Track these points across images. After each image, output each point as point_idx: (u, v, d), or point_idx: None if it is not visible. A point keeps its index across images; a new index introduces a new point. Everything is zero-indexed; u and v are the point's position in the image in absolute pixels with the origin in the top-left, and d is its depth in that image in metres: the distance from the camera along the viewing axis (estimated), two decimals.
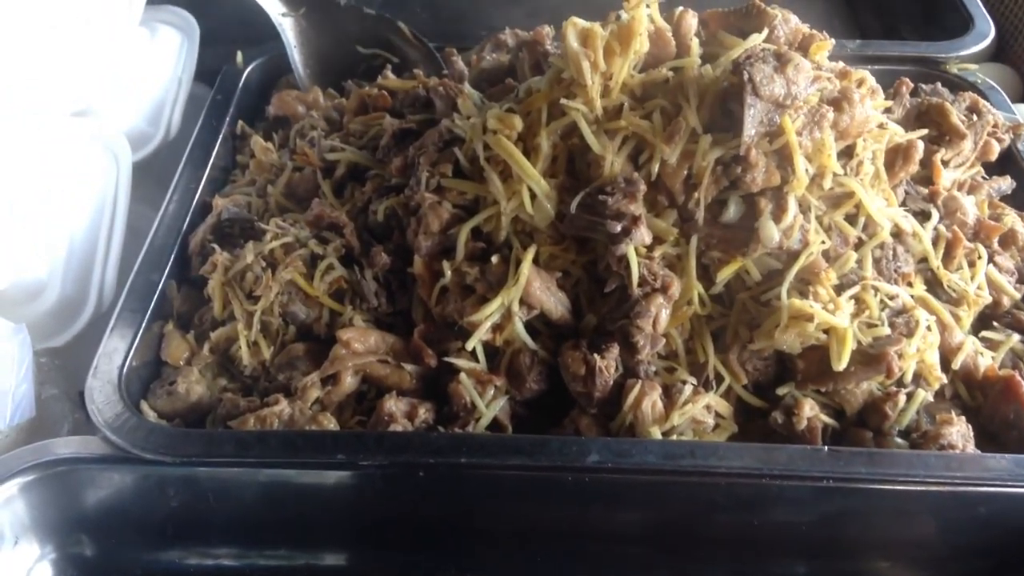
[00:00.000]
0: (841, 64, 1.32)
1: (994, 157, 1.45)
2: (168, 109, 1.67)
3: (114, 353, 1.18)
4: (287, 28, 1.70)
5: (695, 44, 1.23)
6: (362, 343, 1.20)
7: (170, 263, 1.31)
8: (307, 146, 1.46)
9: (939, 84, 1.65)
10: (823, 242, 1.18)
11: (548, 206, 1.20)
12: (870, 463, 1.06)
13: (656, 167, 1.18)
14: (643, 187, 1.17)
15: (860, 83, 1.29)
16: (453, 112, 1.38)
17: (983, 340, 1.25)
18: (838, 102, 1.21)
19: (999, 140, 1.45)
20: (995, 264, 1.31)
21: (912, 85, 1.55)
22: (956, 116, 1.42)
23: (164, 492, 1.09)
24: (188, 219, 1.38)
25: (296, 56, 1.70)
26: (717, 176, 1.17)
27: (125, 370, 1.16)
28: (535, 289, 1.18)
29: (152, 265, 1.30)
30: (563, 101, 1.18)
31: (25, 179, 1.36)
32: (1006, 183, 1.44)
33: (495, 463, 1.07)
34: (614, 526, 1.11)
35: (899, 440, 1.14)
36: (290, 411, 1.15)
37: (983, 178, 1.46)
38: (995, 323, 1.28)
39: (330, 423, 1.14)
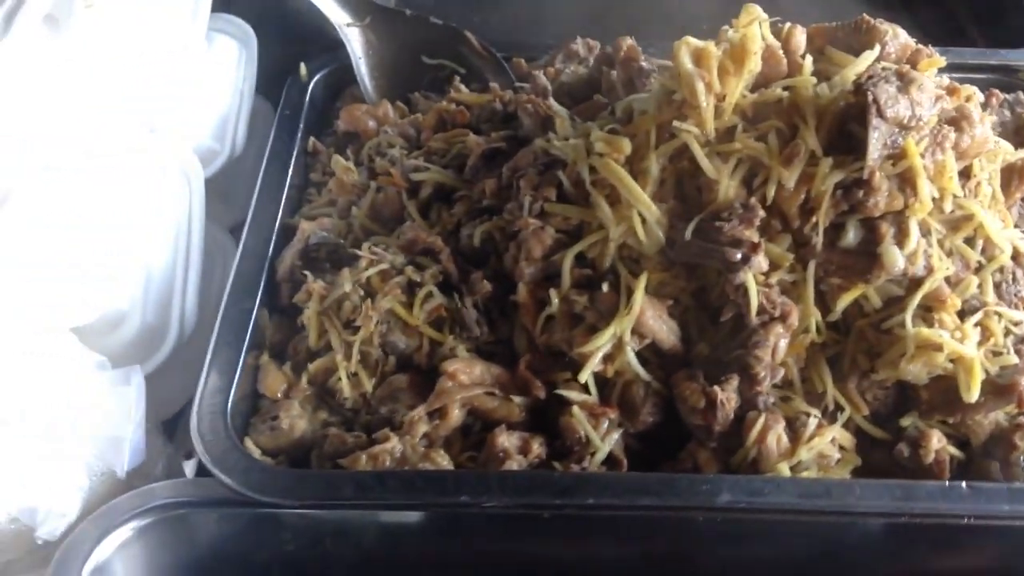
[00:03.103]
0: (947, 79, 1.28)
1: None
2: (232, 124, 1.62)
3: (215, 388, 1.14)
4: (352, 39, 1.66)
5: (808, 62, 1.19)
6: (468, 375, 1.17)
7: (260, 291, 1.26)
8: (388, 165, 1.42)
9: (1021, 93, 1.61)
10: (947, 268, 1.15)
11: (659, 232, 1.16)
12: (1012, 499, 1.03)
13: (772, 191, 1.14)
14: (761, 212, 1.13)
15: (968, 99, 1.25)
16: (542, 131, 1.34)
17: None
18: (957, 121, 1.17)
19: None
20: None
21: (1002, 96, 1.52)
22: None
23: (279, 536, 1.05)
24: (272, 244, 1.33)
25: (362, 68, 1.66)
26: (836, 200, 1.13)
27: (230, 406, 1.12)
28: (648, 318, 1.15)
29: (242, 293, 1.26)
30: (675, 124, 1.14)
31: (101, 206, 1.31)
32: None
33: (623, 503, 1.03)
34: (743, 567, 1.07)
35: None
36: (401, 448, 1.11)
37: None
38: None
39: (444, 460, 1.10)
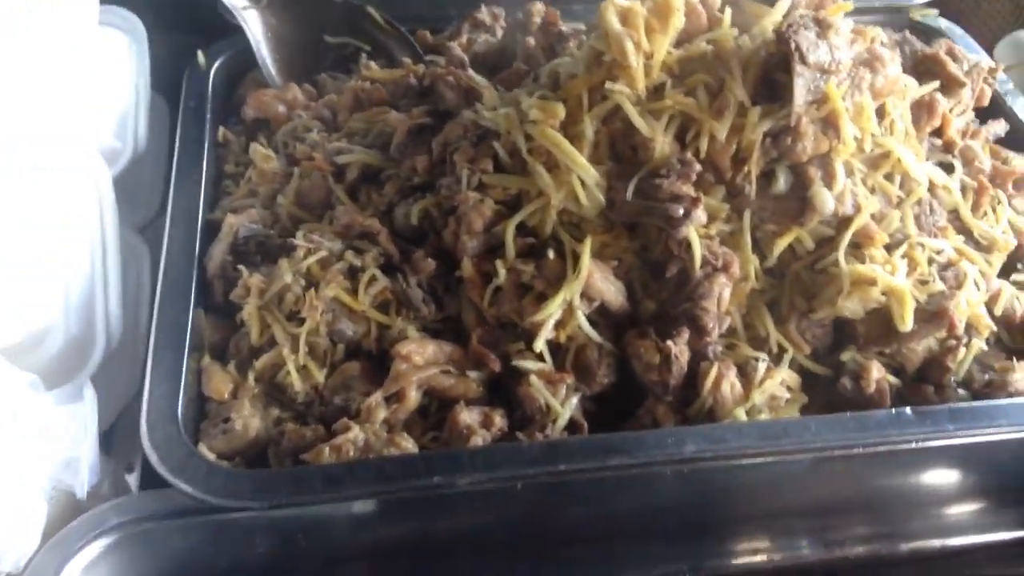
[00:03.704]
0: (852, 23, 1.32)
1: (987, 103, 1.49)
2: (132, 121, 1.54)
3: (162, 395, 1.09)
4: (251, 22, 1.60)
5: (727, 15, 1.21)
6: (422, 355, 1.15)
7: (193, 291, 1.22)
8: (309, 149, 1.38)
9: (907, 32, 1.68)
10: (873, 205, 1.19)
11: (599, 194, 1.17)
12: (953, 419, 1.08)
13: (705, 144, 1.16)
14: (697, 167, 1.15)
15: (873, 41, 1.30)
16: (466, 103, 1.33)
17: (1013, 283, 1.29)
18: (870, 63, 1.21)
19: (989, 85, 1.49)
20: (1012, 207, 1.35)
21: (893, 37, 1.57)
22: (952, 65, 1.44)
23: (248, 539, 1.02)
24: (198, 240, 1.28)
25: (264, 51, 1.60)
26: (766, 148, 1.16)
27: (180, 413, 1.08)
28: (596, 280, 1.16)
29: (175, 295, 1.21)
30: (608, 85, 1.15)
31: (9, 219, 1.23)
32: (1000, 126, 1.49)
33: (594, 465, 1.04)
34: (711, 512, 1.10)
35: (961, 392, 1.17)
36: (364, 436, 1.09)
37: (976, 123, 1.50)
38: (1019, 265, 1.32)
39: (408, 443, 1.09)
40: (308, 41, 1.64)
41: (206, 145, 1.45)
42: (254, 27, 1.59)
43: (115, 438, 1.35)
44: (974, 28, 2.20)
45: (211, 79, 1.58)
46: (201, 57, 1.60)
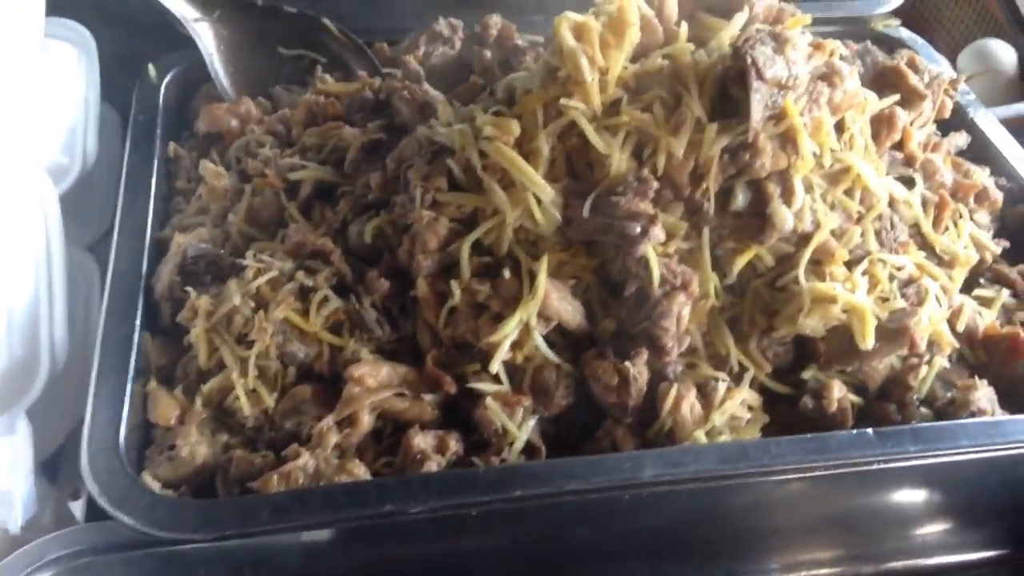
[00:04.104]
0: (811, 36, 1.31)
1: (948, 115, 1.48)
2: (80, 136, 1.50)
3: (104, 422, 1.05)
4: (203, 35, 1.56)
5: (683, 29, 1.19)
6: (375, 378, 1.12)
7: (139, 313, 1.18)
8: (261, 165, 1.35)
9: (869, 43, 1.67)
10: (833, 221, 1.18)
11: (555, 212, 1.15)
12: (915, 440, 1.07)
13: (662, 161, 1.14)
14: (654, 184, 1.13)
15: (832, 54, 1.28)
16: (421, 118, 1.30)
17: (975, 298, 1.28)
18: (828, 77, 1.20)
19: (950, 96, 1.48)
20: (973, 221, 1.34)
21: (856, 47, 1.57)
22: (913, 77, 1.43)
23: (196, 572, 0.99)
24: (145, 261, 1.25)
25: (216, 64, 1.57)
26: (724, 164, 1.14)
27: (123, 441, 1.04)
28: (553, 300, 1.13)
29: (119, 317, 1.17)
30: (563, 101, 1.13)
31: None
32: (962, 139, 1.48)
33: (551, 491, 1.01)
34: (671, 536, 1.08)
35: (923, 411, 1.16)
36: (314, 463, 1.06)
37: (937, 135, 1.49)
38: (981, 280, 1.32)
39: (360, 470, 1.06)
40: (262, 53, 1.61)
41: (156, 161, 1.41)
42: (206, 39, 1.56)
43: (62, 464, 1.31)
44: (938, 36, 2.22)
45: (162, 92, 1.54)
46: (152, 70, 1.56)
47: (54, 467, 1.30)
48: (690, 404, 1.11)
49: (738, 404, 1.12)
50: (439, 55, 1.49)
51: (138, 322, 1.17)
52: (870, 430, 1.07)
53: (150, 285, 1.23)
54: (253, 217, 1.31)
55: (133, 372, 1.12)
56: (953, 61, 2.04)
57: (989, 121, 1.53)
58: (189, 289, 1.18)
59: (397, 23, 1.70)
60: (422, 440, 1.09)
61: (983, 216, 1.36)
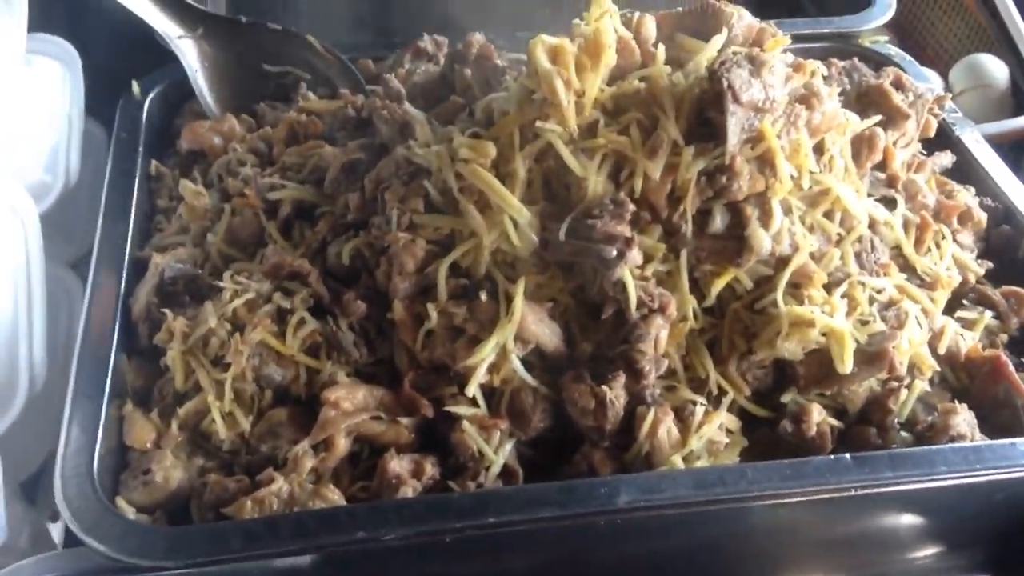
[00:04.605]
0: (790, 55, 1.31)
1: (932, 133, 1.47)
2: (64, 153, 1.50)
3: (78, 447, 1.05)
4: (187, 52, 1.56)
5: (660, 51, 1.19)
6: (351, 401, 1.12)
7: (116, 334, 1.18)
8: (241, 185, 1.35)
9: (856, 60, 1.66)
10: (811, 244, 1.17)
11: (532, 235, 1.14)
12: (893, 465, 1.06)
13: (639, 183, 1.14)
14: (631, 207, 1.12)
15: (812, 75, 1.28)
16: (401, 137, 1.30)
17: (958, 320, 1.27)
18: (807, 99, 1.19)
19: (935, 115, 1.48)
20: (957, 243, 1.33)
21: (840, 65, 1.56)
22: (897, 96, 1.43)
23: None
24: (123, 280, 1.25)
25: (200, 81, 1.57)
26: (701, 187, 1.14)
27: (96, 465, 1.04)
28: (530, 323, 1.13)
29: (97, 338, 1.17)
30: (539, 124, 1.12)
31: None
32: (947, 158, 1.48)
33: (525, 517, 1.01)
34: (649, 562, 1.08)
35: (903, 434, 1.15)
36: (288, 488, 1.05)
37: (922, 154, 1.48)
38: (964, 301, 1.31)
39: (335, 495, 1.06)
40: (246, 70, 1.61)
41: (137, 178, 1.41)
42: (190, 56, 1.56)
43: (41, 484, 1.31)
44: (930, 50, 2.22)
45: (146, 109, 1.54)
46: (136, 87, 1.56)
47: (33, 488, 1.30)
48: (667, 428, 1.10)
49: (715, 428, 1.11)
50: (422, 72, 1.49)
51: (115, 343, 1.17)
52: (847, 455, 1.07)
53: (128, 306, 1.23)
54: (232, 237, 1.30)
55: (109, 394, 1.12)
56: (945, 76, 2.04)
57: (975, 139, 1.53)
58: (166, 310, 1.18)
59: (383, 40, 1.71)
60: (398, 464, 1.08)
61: (966, 237, 1.35)
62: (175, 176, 1.47)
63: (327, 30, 1.66)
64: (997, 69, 2.00)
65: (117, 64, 1.67)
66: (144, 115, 1.53)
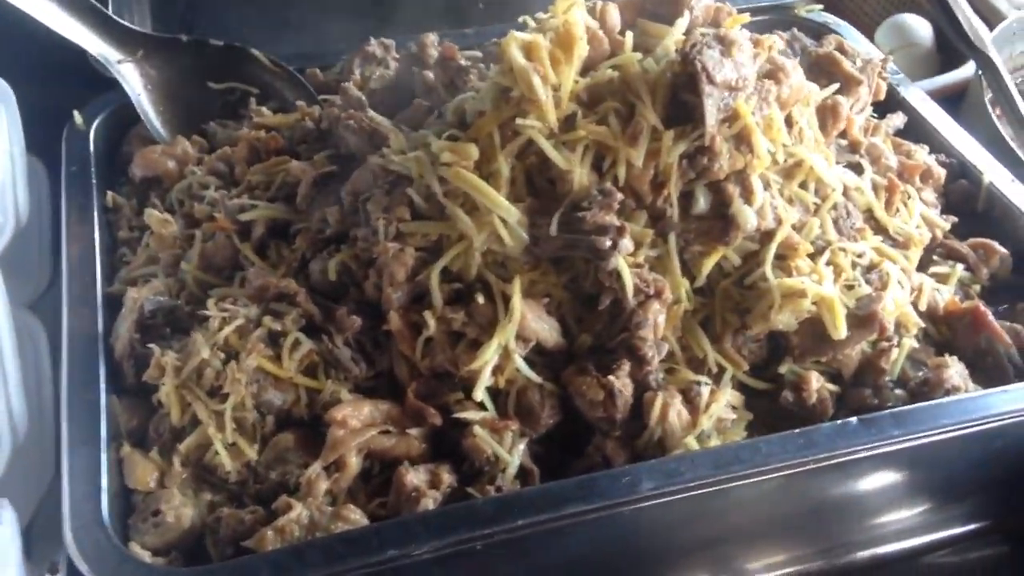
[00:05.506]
0: (748, 34, 1.32)
1: (883, 96, 1.51)
2: (11, 192, 1.44)
3: (84, 497, 1.01)
4: (128, 76, 1.51)
5: (629, 38, 1.19)
6: (358, 418, 1.10)
7: (102, 375, 1.14)
8: (208, 208, 1.31)
9: (796, 30, 1.69)
10: (793, 215, 1.19)
11: (522, 232, 1.14)
12: (897, 424, 1.09)
13: (623, 171, 1.14)
14: (619, 196, 1.13)
15: (770, 49, 1.30)
16: (371, 146, 1.28)
17: (932, 276, 1.31)
18: (774, 74, 1.21)
19: (883, 79, 1.51)
20: (922, 201, 1.37)
21: (786, 36, 1.59)
22: (847, 63, 1.46)
23: None
24: (100, 319, 1.20)
25: (145, 105, 1.52)
26: (683, 169, 1.15)
27: (106, 512, 1.00)
28: (529, 321, 1.12)
29: (82, 382, 1.12)
30: (519, 121, 1.12)
31: None
32: (899, 119, 1.52)
33: (551, 516, 1.01)
34: (674, 546, 1.09)
35: (898, 392, 1.18)
36: (308, 513, 1.03)
37: (874, 117, 1.52)
38: (934, 257, 1.35)
39: (356, 515, 1.04)
40: (192, 90, 1.56)
41: (95, 212, 1.36)
42: (132, 80, 1.51)
43: (33, 537, 1.26)
44: (850, 13, 2.27)
45: (92, 140, 1.48)
46: (78, 117, 1.50)
47: (27, 541, 1.24)
48: (677, 411, 1.11)
49: (723, 406, 1.13)
50: (377, 79, 1.47)
51: (102, 385, 1.13)
52: (854, 419, 1.09)
53: (108, 345, 1.18)
54: (207, 263, 1.27)
55: (105, 438, 1.08)
56: (871, 39, 2.09)
57: (920, 98, 1.57)
58: (152, 346, 1.14)
59: (326, 47, 1.68)
60: (415, 476, 1.07)
61: (929, 194, 1.39)
62: (132, 206, 1.42)
63: (267, 41, 1.62)
64: (922, 28, 2.06)
65: (48, 96, 1.61)
66: (91, 146, 1.47)
